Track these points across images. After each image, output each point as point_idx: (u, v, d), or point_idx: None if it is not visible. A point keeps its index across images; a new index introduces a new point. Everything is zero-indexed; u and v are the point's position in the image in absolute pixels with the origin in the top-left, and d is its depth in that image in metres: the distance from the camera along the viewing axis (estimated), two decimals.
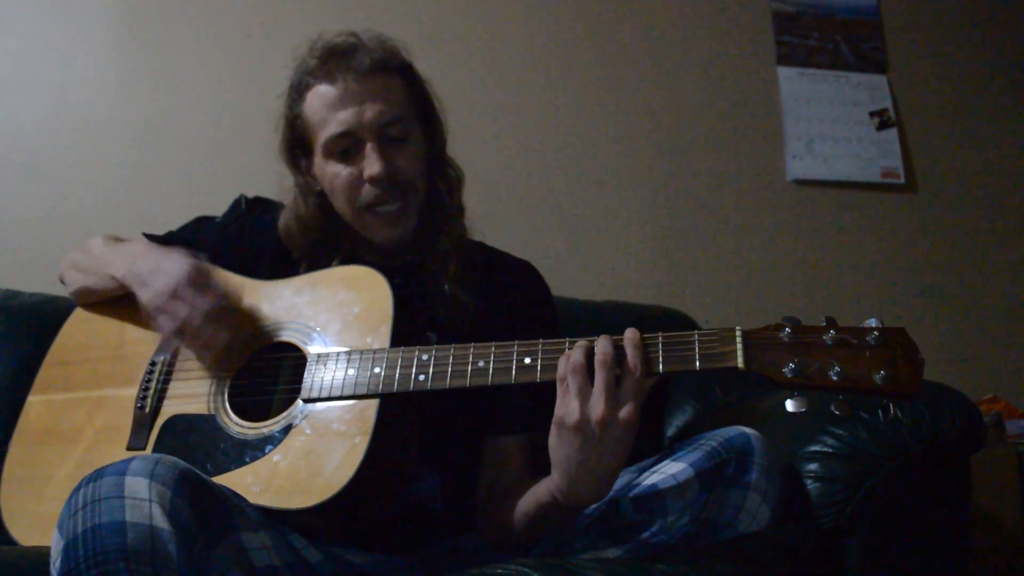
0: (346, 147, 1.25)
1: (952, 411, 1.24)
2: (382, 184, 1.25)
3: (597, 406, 0.96)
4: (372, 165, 1.24)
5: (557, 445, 1.00)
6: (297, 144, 1.32)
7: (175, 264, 1.20)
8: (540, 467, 1.23)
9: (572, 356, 0.99)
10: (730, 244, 2.44)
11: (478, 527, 1.25)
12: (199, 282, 1.18)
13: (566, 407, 0.98)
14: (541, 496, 1.08)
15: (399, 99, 1.28)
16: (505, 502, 1.18)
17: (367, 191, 1.26)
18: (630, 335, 0.99)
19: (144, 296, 1.21)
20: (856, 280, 2.50)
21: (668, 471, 1.10)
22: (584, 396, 0.97)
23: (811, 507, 1.21)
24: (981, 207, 2.63)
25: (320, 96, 1.26)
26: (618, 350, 0.99)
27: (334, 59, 1.26)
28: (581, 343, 1.01)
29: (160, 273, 1.19)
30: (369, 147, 1.25)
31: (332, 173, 1.27)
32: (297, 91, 1.29)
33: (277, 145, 1.34)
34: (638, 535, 1.09)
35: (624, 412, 0.96)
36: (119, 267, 1.27)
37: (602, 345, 0.99)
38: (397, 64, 1.30)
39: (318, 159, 1.29)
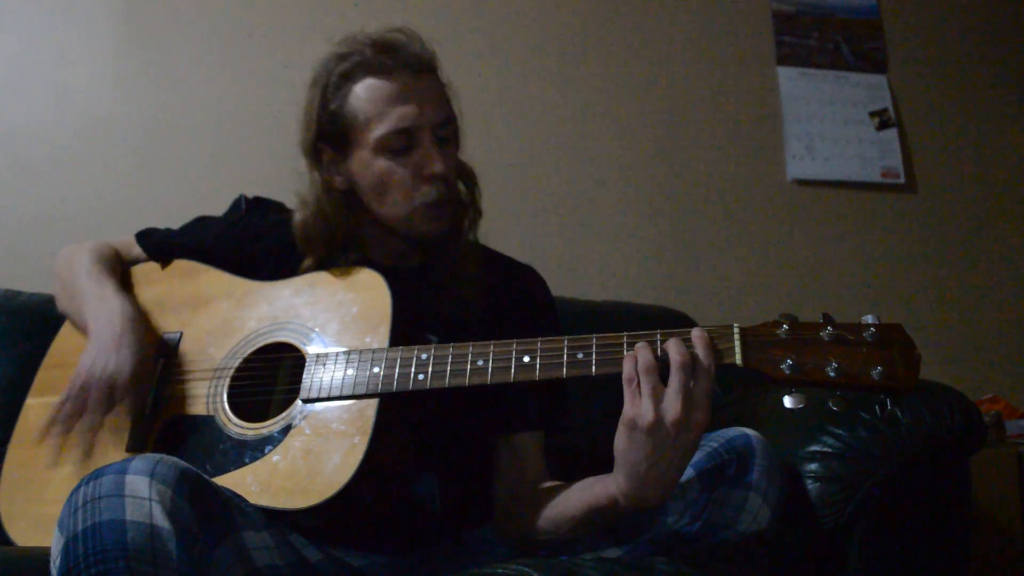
0: (402, 144, 1.22)
1: (952, 411, 1.24)
2: (439, 182, 1.23)
3: (673, 408, 0.93)
4: (436, 163, 1.22)
5: (627, 448, 0.97)
6: (331, 137, 1.26)
7: (121, 356, 1.19)
8: (561, 469, 1.23)
9: (641, 356, 0.96)
10: (730, 244, 2.44)
11: (497, 528, 1.24)
12: (127, 389, 1.17)
13: (638, 408, 0.95)
14: (597, 500, 1.05)
15: (447, 99, 1.27)
16: (530, 502, 1.17)
17: (424, 189, 1.23)
18: (699, 334, 0.97)
19: (85, 350, 1.20)
20: (856, 280, 2.49)
21: None
22: (658, 398, 0.94)
23: (811, 507, 1.21)
24: (981, 207, 2.63)
25: (374, 89, 1.22)
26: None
27: (387, 53, 1.23)
28: (643, 344, 0.98)
29: (105, 350, 1.19)
30: (428, 145, 1.22)
31: (385, 169, 1.23)
32: (339, 83, 1.24)
33: (302, 138, 1.29)
34: (638, 535, 1.09)
35: (700, 414, 0.94)
36: (88, 310, 1.27)
37: (677, 346, 0.96)
38: (436, 64, 1.29)
39: (363, 154, 1.24)
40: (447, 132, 1.26)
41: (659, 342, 0.99)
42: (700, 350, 0.96)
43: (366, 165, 1.24)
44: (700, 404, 0.94)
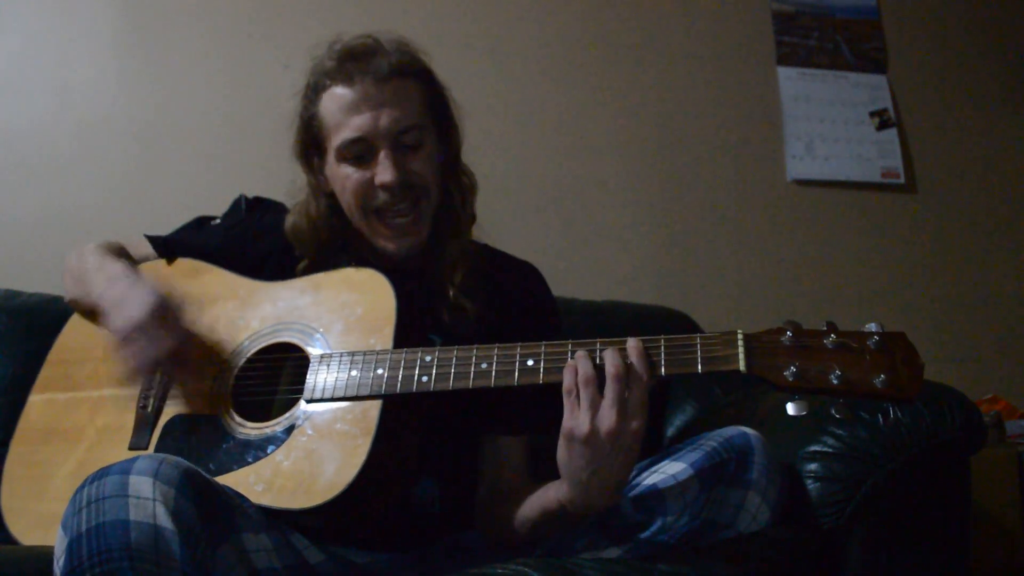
0: (360, 152, 1.24)
1: (952, 411, 1.24)
2: (393, 191, 1.24)
3: (608, 418, 0.95)
4: (384, 172, 1.22)
5: (567, 458, 0.99)
6: (311, 144, 1.30)
7: (140, 298, 1.16)
8: (539, 468, 1.24)
9: (580, 368, 0.98)
10: (730, 244, 2.44)
11: (478, 525, 1.25)
12: (162, 319, 1.15)
13: (575, 420, 0.97)
14: (548, 504, 1.08)
15: (416, 105, 1.26)
16: (507, 502, 1.18)
17: (378, 196, 1.25)
18: (633, 344, 0.99)
19: (109, 325, 1.19)
20: (856, 280, 2.50)
21: (668, 471, 1.10)
22: (595, 408, 0.96)
23: (811, 507, 1.21)
24: (981, 207, 2.63)
25: (336, 98, 1.24)
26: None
27: (352, 61, 1.24)
28: (582, 353, 1.00)
29: (125, 305, 1.17)
30: (383, 154, 1.23)
31: (343, 175, 1.25)
32: (313, 91, 1.27)
33: (291, 144, 1.32)
34: (638, 535, 1.10)
35: (635, 423, 0.96)
36: (96, 287, 1.26)
37: (612, 358, 0.98)
38: (416, 69, 1.28)
39: (330, 160, 1.27)
40: (410, 139, 1.25)
41: (663, 347, 0.99)
42: (635, 360, 0.98)
43: (333, 172, 1.27)
44: (635, 413, 0.96)
